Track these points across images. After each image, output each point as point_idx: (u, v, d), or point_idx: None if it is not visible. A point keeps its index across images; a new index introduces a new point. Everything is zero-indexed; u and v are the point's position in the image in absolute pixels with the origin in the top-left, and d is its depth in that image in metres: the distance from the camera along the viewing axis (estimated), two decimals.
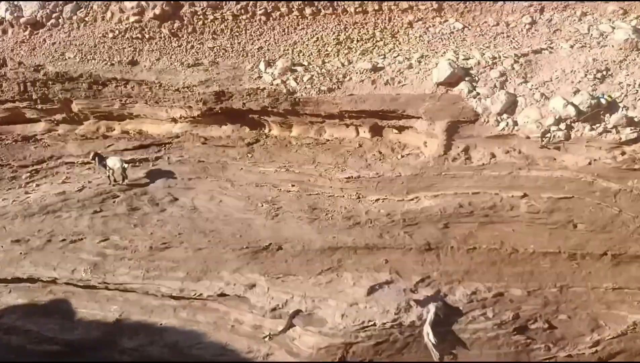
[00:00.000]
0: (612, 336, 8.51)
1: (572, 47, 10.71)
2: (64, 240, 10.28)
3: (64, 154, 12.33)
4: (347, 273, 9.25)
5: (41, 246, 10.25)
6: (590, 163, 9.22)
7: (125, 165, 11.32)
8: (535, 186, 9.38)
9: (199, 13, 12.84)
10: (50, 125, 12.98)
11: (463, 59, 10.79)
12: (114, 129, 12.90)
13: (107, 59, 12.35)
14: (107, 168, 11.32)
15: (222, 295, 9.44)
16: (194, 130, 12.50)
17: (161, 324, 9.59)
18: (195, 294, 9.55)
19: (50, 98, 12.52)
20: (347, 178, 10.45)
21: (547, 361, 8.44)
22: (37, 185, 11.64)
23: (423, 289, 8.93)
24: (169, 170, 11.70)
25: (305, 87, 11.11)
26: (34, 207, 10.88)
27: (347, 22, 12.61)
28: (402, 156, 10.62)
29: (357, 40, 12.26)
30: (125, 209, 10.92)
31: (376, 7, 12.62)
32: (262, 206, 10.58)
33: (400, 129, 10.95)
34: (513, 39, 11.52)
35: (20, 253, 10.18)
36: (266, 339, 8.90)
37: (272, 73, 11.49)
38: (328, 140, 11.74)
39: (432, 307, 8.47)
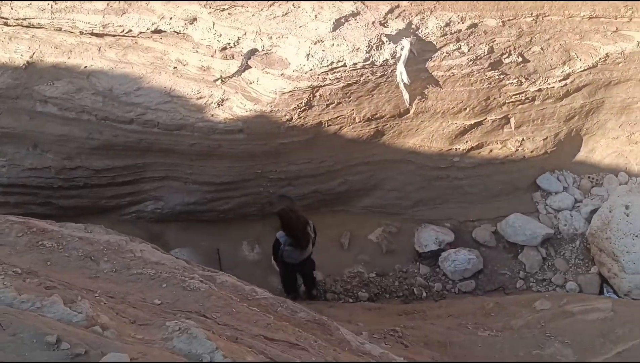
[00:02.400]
0: (583, 68, 8.22)
1: None
2: None
3: None
4: (306, 3, 7.87)
5: None
6: None
7: None
8: None
9: None
10: None
11: None
12: None
13: None
14: None
15: (157, 31, 7.92)
16: None
17: (85, 67, 8.13)
18: (122, 30, 7.94)
19: None
20: None
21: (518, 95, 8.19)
22: None
23: (393, 21, 7.86)
24: None
25: None
26: None
27: None
28: None
29: None
30: None
31: None
32: None
33: None
34: None
35: None
36: (218, 82, 7.81)
37: None
38: None
39: (406, 43, 7.56)
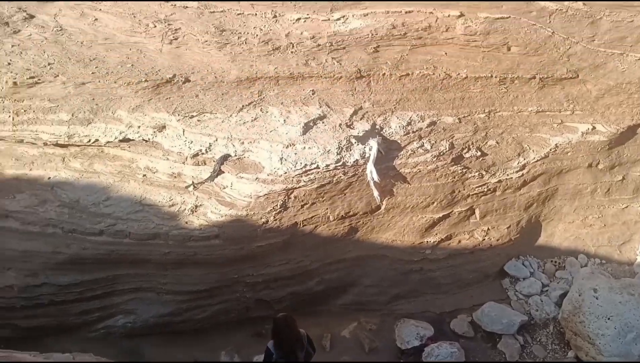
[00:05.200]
0: (536, 159, 8.77)
1: None
2: None
3: None
4: (273, 108, 8.12)
5: None
6: None
7: None
8: (471, 5, 8.62)
9: None
10: None
11: None
12: None
13: None
14: None
15: (125, 140, 7.88)
16: None
17: (49, 178, 7.92)
18: (89, 140, 7.85)
19: None
20: None
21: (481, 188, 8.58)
22: None
23: (358, 123, 8.20)
24: None
25: None
26: None
27: None
28: None
29: None
30: None
31: None
32: (154, 26, 8.58)
33: None
34: None
35: None
36: (190, 188, 7.76)
37: None
38: None
39: (374, 144, 7.86)
